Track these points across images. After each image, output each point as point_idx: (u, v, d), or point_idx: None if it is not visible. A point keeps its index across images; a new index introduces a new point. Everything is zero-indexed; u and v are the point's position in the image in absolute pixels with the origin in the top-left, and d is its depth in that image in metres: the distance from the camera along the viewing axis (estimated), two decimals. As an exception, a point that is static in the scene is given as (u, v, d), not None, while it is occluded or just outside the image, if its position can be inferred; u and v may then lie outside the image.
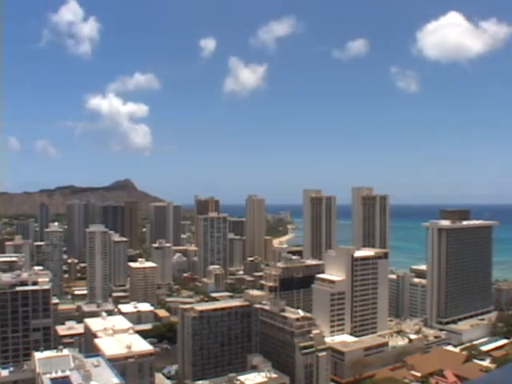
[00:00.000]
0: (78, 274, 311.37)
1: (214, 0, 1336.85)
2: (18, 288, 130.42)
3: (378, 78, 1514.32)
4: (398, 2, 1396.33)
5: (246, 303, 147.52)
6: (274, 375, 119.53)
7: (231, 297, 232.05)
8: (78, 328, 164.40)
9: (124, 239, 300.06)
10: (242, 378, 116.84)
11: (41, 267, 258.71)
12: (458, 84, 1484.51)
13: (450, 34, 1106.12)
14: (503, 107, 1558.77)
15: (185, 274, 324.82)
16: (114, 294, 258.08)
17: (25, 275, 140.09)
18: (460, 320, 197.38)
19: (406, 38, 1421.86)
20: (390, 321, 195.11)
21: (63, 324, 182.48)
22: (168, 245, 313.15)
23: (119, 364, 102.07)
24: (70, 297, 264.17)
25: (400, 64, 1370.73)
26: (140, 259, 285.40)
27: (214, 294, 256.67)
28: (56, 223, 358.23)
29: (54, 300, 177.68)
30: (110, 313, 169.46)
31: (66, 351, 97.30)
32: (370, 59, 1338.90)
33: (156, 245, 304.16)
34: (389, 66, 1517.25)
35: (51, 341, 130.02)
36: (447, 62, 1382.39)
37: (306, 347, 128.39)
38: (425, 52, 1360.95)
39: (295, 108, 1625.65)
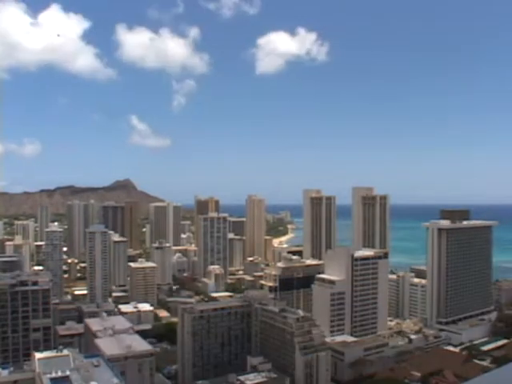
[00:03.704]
0: (78, 274, 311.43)
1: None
2: (18, 288, 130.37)
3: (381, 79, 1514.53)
4: None
5: (246, 303, 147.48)
6: (274, 375, 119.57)
7: (231, 297, 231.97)
8: (78, 328, 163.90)
9: (124, 239, 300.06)
10: (242, 378, 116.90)
11: (41, 267, 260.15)
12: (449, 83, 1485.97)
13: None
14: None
15: (185, 274, 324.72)
16: (114, 294, 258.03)
17: (25, 275, 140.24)
18: (460, 320, 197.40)
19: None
20: (390, 321, 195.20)
21: (63, 324, 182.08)
22: (168, 245, 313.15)
23: (119, 364, 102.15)
24: (69, 297, 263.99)
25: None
26: (140, 259, 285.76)
27: (214, 294, 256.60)
28: (56, 223, 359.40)
29: (54, 300, 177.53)
30: (109, 313, 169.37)
31: (65, 351, 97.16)
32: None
33: (156, 245, 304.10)
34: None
35: (51, 341, 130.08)
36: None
37: (306, 347, 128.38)
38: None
39: (295, 108, 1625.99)
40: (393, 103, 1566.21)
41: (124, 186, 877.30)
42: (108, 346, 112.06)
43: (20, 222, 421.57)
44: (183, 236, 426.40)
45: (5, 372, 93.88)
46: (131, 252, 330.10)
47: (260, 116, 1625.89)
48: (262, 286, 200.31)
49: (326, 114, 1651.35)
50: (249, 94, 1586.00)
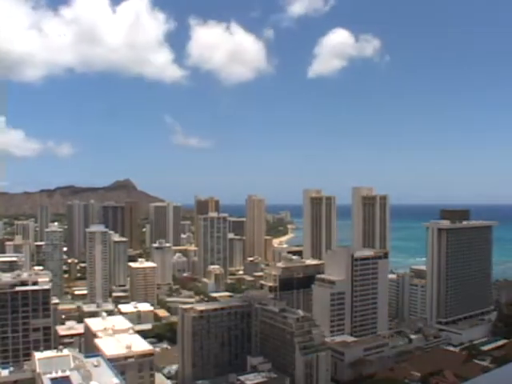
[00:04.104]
0: (78, 274, 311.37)
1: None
2: (18, 288, 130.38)
3: (377, 78, 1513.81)
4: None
5: (246, 303, 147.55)
6: (274, 375, 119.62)
7: (231, 297, 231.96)
8: (78, 328, 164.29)
9: (124, 239, 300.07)
10: (242, 378, 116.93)
11: (41, 267, 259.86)
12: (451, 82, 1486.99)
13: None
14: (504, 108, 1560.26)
15: (185, 274, 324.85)
16: (114, 294, 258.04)
17: (25, 275, 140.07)
18: (460, 320, 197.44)
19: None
20: (390, 321, 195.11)
21: (63, 324, 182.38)
22: (168, 245, 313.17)
23: (119, 364, 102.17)
24: (70, 297, 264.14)
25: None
26: (140, 259, 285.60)
27: (214, 294, 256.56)
28: (56, 223, 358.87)
29: (54, 300, 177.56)
30: (110, 313, 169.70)
31: (65, 351, 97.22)
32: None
33: (156, 245, 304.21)
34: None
35: (51, 341, 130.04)
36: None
37: (306, 347, 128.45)
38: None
39: (295, 108, 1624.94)
40: (392, 103, 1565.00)
41: (124, 185, 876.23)
42: (108, 346, 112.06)
43: (20, 222, 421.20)
44: (183, 236, 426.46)
45: (5, 372, 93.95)
46: (131, 252, 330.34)
47: (260, 116, 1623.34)
48: (262, 286, 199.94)
49: (326, 113, 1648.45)
50: (299, 96, 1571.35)
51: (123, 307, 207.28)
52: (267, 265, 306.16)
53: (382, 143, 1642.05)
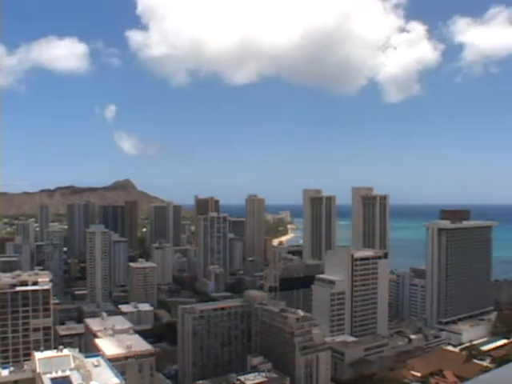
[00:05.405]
0: (78, 274, 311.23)
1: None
2: (18, 288, 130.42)
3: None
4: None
5: (246, 303, 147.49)
6: (274, 375, 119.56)
7: (231, 297, 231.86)
8: (78, 328, 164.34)
9: (124, 239, 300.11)
10: (242, 378, 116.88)
11: (41, 267, 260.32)
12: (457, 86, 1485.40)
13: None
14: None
15: (185, 274, 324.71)
16: (114, 294, 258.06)
17: (25, 275, 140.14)
18: (460, 320, 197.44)
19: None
20: (390, 321, 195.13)
21: (63, 324, 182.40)
22: (168, 245, 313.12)
23: (119, 364, 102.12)
24: (70, 297, 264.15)
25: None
26: (140, 259, 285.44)
27: (213, 294, 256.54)
28: (56, 223, 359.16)
29: (54, 300, 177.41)
30: (110, 313, 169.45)
31: (66, 351, 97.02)
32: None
33: (156, 245, 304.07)
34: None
35: (51, 341, 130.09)
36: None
37: (305, 347, 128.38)
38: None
39: (297, 109, 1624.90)
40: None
41: (124, 186, 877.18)
42: (108, 346, 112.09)
43: (20, 222, 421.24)
44: (183, 236, 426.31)
45: (5, 372, 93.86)
46: (131, 252, 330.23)
47: (259, 115, 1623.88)
48: (261, 286, 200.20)
49: (326, 113, 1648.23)
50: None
51: (123, 307, 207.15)
52: (267, 265, 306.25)
53: (382, 143, 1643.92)
